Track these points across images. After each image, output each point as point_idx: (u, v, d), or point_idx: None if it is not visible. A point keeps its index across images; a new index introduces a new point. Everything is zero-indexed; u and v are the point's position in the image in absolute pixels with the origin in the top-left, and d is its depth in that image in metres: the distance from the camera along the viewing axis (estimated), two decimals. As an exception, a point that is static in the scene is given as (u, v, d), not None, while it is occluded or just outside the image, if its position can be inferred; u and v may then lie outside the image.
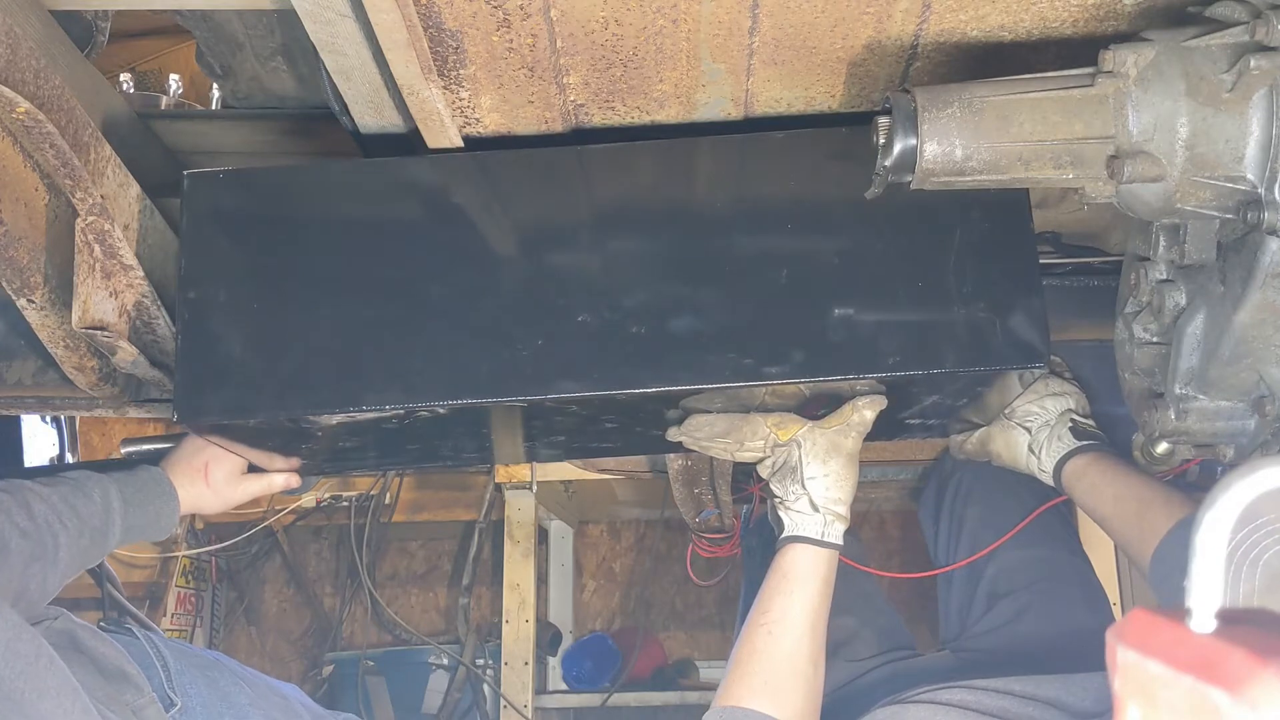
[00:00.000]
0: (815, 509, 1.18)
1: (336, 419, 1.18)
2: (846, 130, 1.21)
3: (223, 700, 1.30)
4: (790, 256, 1.17)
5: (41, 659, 1.04)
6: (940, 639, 1.65)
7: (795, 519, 1.19)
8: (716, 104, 1.21)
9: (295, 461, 1.43)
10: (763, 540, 1.83)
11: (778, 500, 1.21)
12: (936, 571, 1.65)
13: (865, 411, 1.20)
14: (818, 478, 1.19)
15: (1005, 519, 1.60)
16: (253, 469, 1.43)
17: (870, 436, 1.25)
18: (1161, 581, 1.18)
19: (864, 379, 1.15)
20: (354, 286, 1.20)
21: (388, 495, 2.83)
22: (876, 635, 1.57)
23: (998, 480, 1.67)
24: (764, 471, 1.26)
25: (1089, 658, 1.45)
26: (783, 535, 1.20)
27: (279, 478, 1.43)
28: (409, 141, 1.26)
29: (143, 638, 1.27)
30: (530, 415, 1.22)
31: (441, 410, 1.17)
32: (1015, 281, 1.15)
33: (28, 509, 1.19)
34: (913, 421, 1.36)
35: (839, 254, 1.18)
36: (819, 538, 1.18)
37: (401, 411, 1.17)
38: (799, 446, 1.20)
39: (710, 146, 1.23)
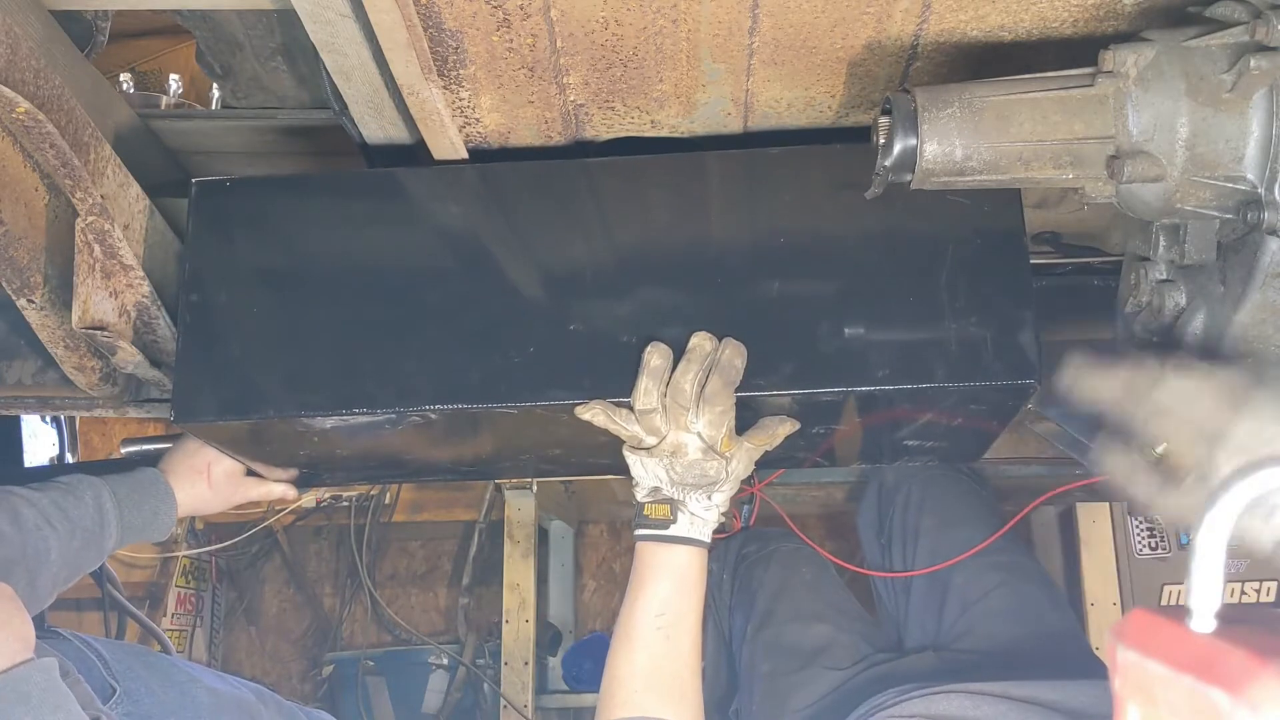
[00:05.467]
0: (716, 514, 1.15)
1: (331, 422, 1.18)
2: (842, 147, 1.22)
3: (173, 686, 1.30)
4: (782, 270, 1.18)
5: None
6: (904, 644, 1.66)
7: (694, 522, 1.14)
8: (716, 104, 1.21)
9: (293, 472, 1.43)
10: (720, 563, 1.84)
11: (668, 499, 1.14)
12: (931, 570, 1.65)
13: (787, 427, 1.19)
14: (729, 488, 1.15)
15: (963, 528, 1.64)
16: (251, 474, 1.43)
17: (865, 459, 1.24)
18: None
19: (856, 391, 1.15)
20: (353, 293, 1.21)
21: (388, 495, 2.83)
22: (855, 641, 1.58)
23: (950, 489, 1.75)
24: (658, 469, 1.15)
25: (1062, 656, 1.46)
26: (671, 534, 1.14)
27: (278, 487, 1.44)
28: (411, 148, 1.27)
29: (71, 636, 1.27)
30: (522, 425, 1.22)
31: (433, 415, 1.17)
32: (1007, 297, 1.15)
33: (14, 514, 1.19)
34: (911, 443, 1.36)
35: (831, 268, 1.18)
36: (708, 540, 1.15)
37: (394, 415, 1.17)
38: (731, 461, 1.15)
39: (706, 162, 1.24)
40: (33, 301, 1.20)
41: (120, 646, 1.32)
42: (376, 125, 1.24)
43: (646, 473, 1.14)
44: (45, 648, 1.17)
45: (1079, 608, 2.41)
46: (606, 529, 3.15)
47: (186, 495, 1.38)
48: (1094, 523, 2.48)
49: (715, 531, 1.16)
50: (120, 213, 1.22)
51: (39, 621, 1.42)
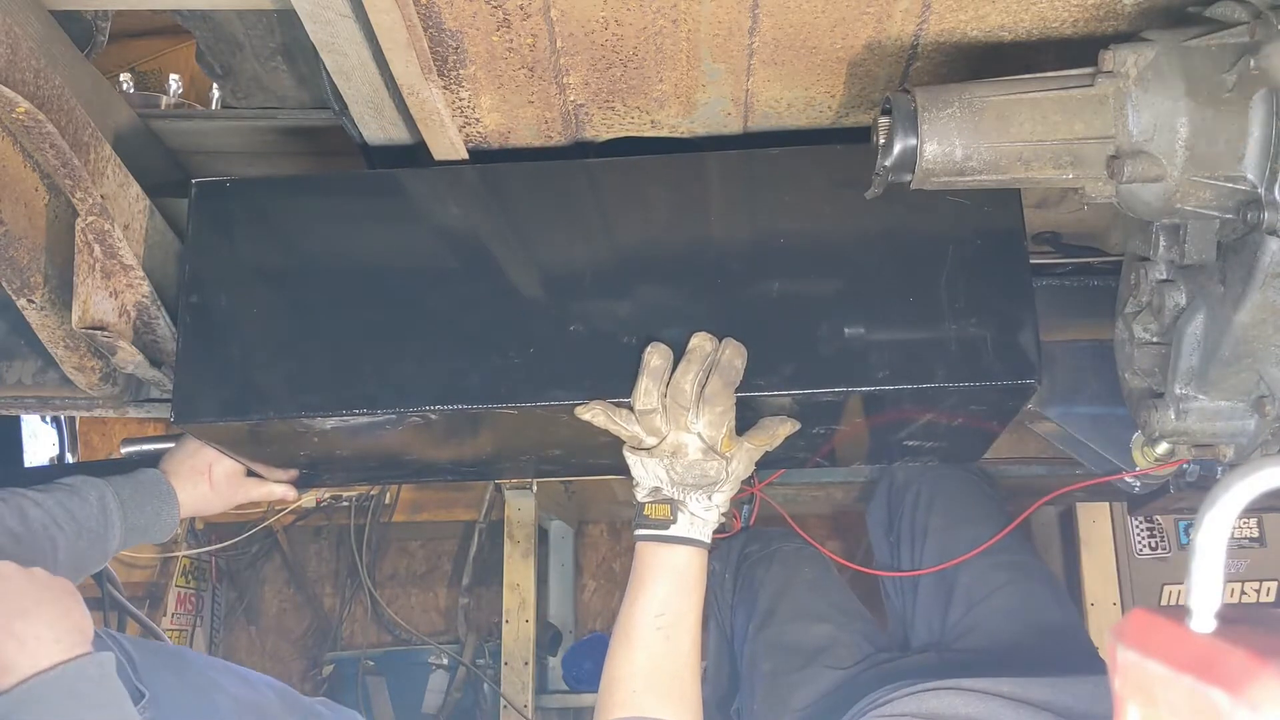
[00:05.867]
0: (716, 514, 1.15)
1: (331, 423, 1.18)
2: (842, 147, 1.22)
3: (195, 692, 1.30)
4: (782, 270, 1.18)
5: None
6: (909, 643, 1.67)
7: (694, 522, 1.14)
8: (716, 104, 1.21)
9: (294, 472, 1.43)
10: (722, 562, 1.84)
11: (669, 499, 1.14)
12: (934, 570, 1.66)
13: (788, 428, 1.19)
14: (729, 489, 1.15)
15: (971, 527, 1.64)
16: (252, 475, 1.43)
17: (866, 459, 1.23)
18: None
19: (856, 391, 1.15)
20: (353, 294, 1.21)
21: (388, 495, 2.83)
22: (857, 640, 1.58)
23: (959, 489, 1.74)
24: (658, 470, 1.15)
25: (1066, 656, 1.47)
26: (671, 535, 1.14)
27: (279, 487, 1.44)
28: (411, 149, 1.27)
29: (104, 635, 1.27)
30: (523, 426, 1.22)
31: (433, 416, 1.17)
32: (1007, 297, 1.15)
33: (21, 515, 1.20)
34: (912, 443, 1.36)
35: (831, 268, 1.18)
36: (708, 541, 1.15)
37: (394, 416, 1.17)
38: (731, 461, 1.15)
39: (706, 162, 1.24)
40: (33, 301, 1.20)
41: (147, 646, 1.32)
42: (376, 125, 1.24)
43: (647, 473, 1.15)
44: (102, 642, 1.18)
45: (1079, 608, 2.41)
46: (606, 529, 3.15)
47: (188, 496, 1.38)
48: (1094, 523, 2.47)
49: (715, 532, 1.16)
50: (120, 213, 1.22)
51: None
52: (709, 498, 1.14)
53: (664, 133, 1.27)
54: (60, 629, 1.04)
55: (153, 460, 1.41)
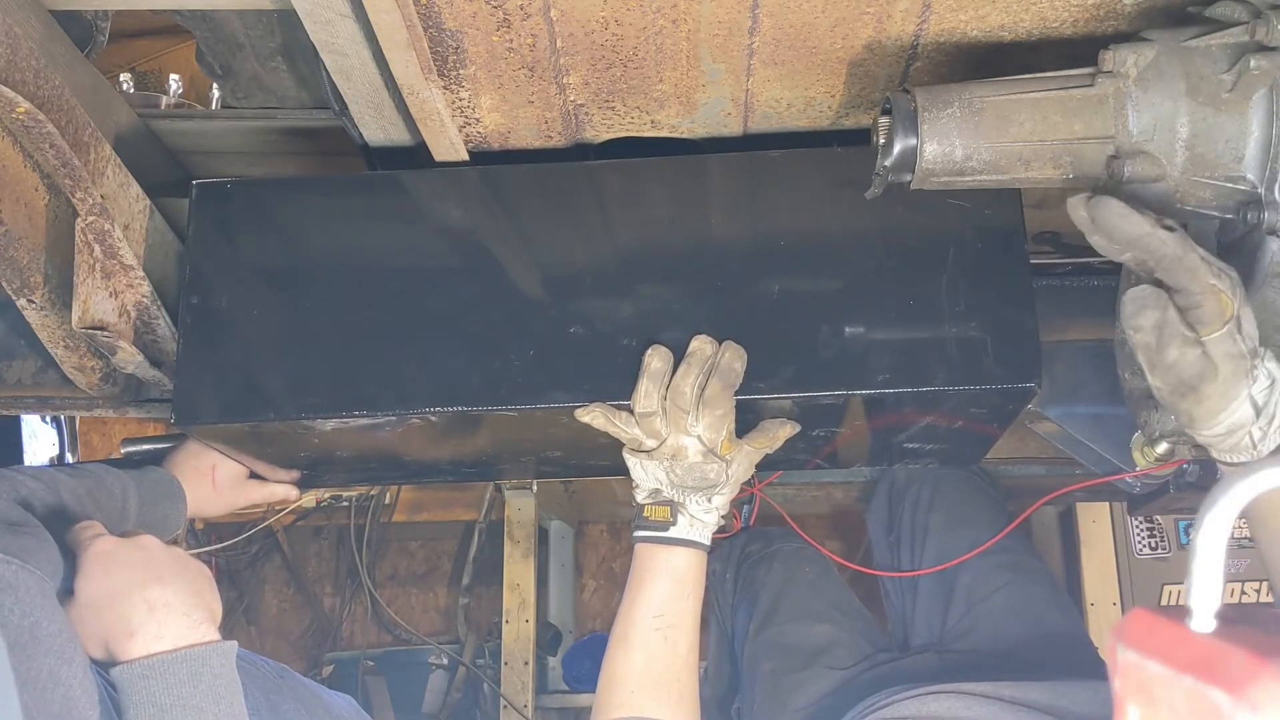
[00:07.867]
0: (716, 516, 1.15)
1: (332, 425, 1.18)
2: (843, 150, 1.22)
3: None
4: (783, 272, 1.18)
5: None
6: (909, 643, 1.67)
7: (693, 524, 1.14)
8: (716, 104, 1.21)
9: (295, 474, 1.43)
10: (723, 562, 1.84)
11: (668, 501, 1.15)
12: (934, 570, 1.66)
13: (787, 430, 1.19)
14: (729, 491, 1.16)
15: (971, 528, 1.64)
16: (254, 477, 1.43)
17: (866, 461, 1.22)
18: None
19: (856, 394, 1.15)
20: (353, 296, 1.21)
21: (388, 495, 2.83)
22: (857, 641, 1.58)
23: (960, 489, 1.75)
24: (658, 472, 1.15)
25: (1066, 658, 1.47)
26: (670, 536, 1.14)
27: (280, 488, 1.44)
28: (412, 149, 1.27)
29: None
30: (523, 428, 1.22)
31: (434, 418, 1.17)
32: (1007, 299, 1.15)
33: (57, 495, 1.20)
34: (911, 445, 1.35)
35: (831, 271, 1.18)
36: (707, 543, 1.16)
37: (395, 418, 1.17)
38: (730, 464, 1.15)
39: (707, 164, 1.24)
40: (33, 301, 1.20)
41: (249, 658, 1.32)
42: (377, 126, 1.24)
43: (646, 475, 1.15)
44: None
45: (1079, 608, 2.41)
46: (606, 529, 3.15)
47: (192, 497, 1.38)
48: (1094, 523, 2.48)
49: (715, 532, 1.16)
50: (120, 213, 1.22)
51: None
52: (708, 500, 1.14)
53: (664, 133, 1.27)
54: (191, 605, 1.07)
55: (153, 460, 1.41)
